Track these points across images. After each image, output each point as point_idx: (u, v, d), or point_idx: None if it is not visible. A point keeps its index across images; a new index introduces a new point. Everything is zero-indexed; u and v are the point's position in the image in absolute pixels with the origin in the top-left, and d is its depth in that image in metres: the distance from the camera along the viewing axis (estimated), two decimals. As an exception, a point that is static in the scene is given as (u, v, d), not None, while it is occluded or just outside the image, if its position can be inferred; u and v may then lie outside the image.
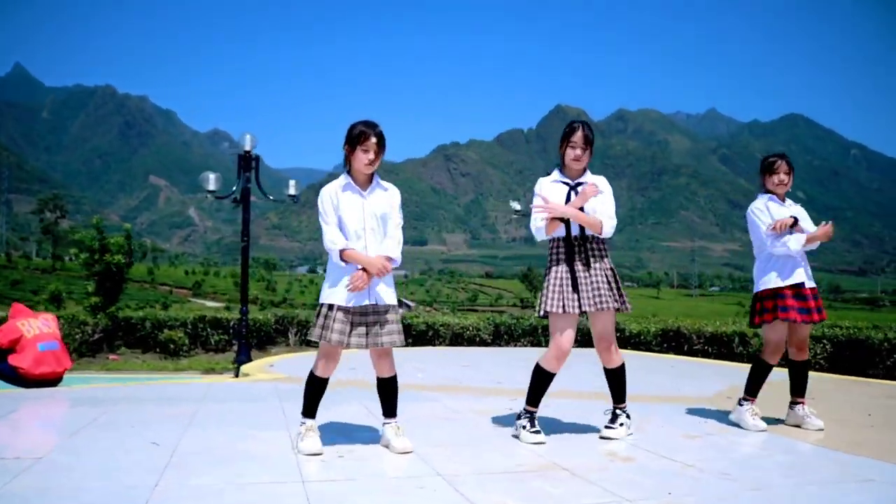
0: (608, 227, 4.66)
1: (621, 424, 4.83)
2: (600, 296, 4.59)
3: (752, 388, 5.31)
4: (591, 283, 4.61)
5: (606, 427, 4.83)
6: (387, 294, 4.36)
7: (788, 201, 5.34)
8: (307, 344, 17.68)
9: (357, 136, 4.26)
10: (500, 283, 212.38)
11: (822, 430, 5.14)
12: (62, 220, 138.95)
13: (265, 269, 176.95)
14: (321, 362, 4.34)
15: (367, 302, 4.27)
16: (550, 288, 4.64)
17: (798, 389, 5.36)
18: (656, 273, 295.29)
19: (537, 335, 17.38)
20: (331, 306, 4.27)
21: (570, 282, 4.61)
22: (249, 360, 12.46)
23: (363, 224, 4.30)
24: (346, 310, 4.24)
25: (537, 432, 4.63)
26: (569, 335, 4.61)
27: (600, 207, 4.65)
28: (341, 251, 4.24)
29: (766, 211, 5.25)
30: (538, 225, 4.70)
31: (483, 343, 16.72)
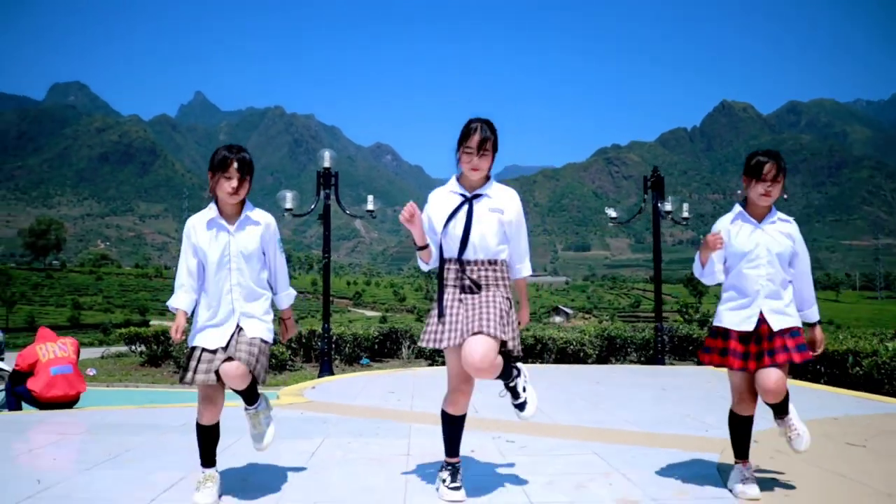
0: (527, 270, 4.14)
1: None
2: (480, 319, 3.75)
3: (736, 448, 4.20)
4: (477, 306, 3.83)
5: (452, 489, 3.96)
6: (254, 327, 3.92)
7: (777, 216, 4.22)
8: (422, 356, 17.52)
9: (218, 162, 3.82)
10: (665, 288, 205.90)
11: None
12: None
13: (426, 277, 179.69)
14: (200, 407, 3.94)
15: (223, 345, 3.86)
16: (436, 318, 3.91)
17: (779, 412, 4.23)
18: (836, 274, 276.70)
19: (650, 349, 16.35)
20: (194, 348, 3.90)
21: (458, 309, 3.86)
22: (331, 374, 12.86)
23: (228, 265, 3.90)
24: (211, 351, 3.84)
25: (457, 488, 3.91)
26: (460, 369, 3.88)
27: (518, 241, 4.10)
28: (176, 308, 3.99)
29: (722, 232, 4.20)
30: (420, 263, 4.17)
31: (586, 358, 15.83)
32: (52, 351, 8.35)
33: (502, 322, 3.78)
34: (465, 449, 5.09)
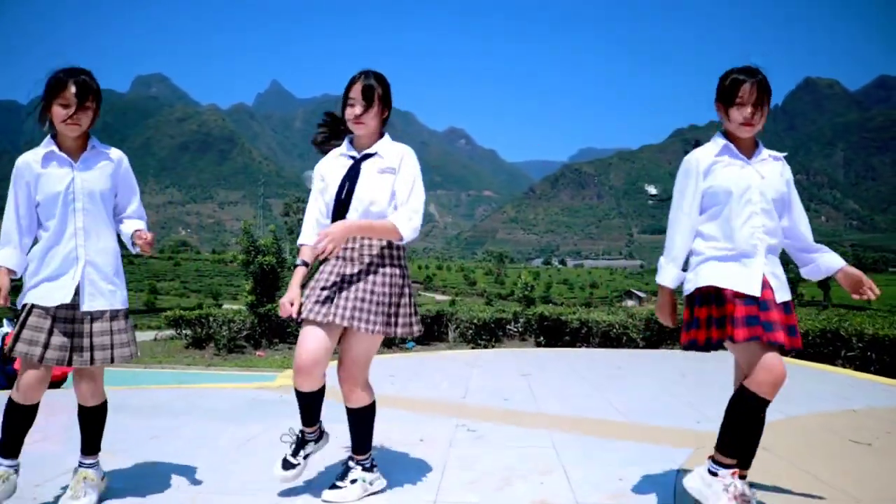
0: (408, 228, 3.36)
1: (353, 481, 3.47)
2: (361, 310, 3.29)
3: (729, 446, 3.03)
4: (360, 289, 3.35)
5: (331, 487, 3.47)
6: (104, 294, 3.38)
7: (766, 153, 3.23)
8: (464, 339, 17.22)
9: (52, 87, 3.26)
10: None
11: None
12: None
13: (497, 262, 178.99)
14: (20, 382, 3.31)
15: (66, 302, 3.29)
16: (309, 290, 3.40)
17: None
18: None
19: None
20: (28, 308, 3.30)
21: (331, 284, 3.35)
22: None
23: (72, 204, 3.34)
24: (44, 311, 3.28)
25: (287, 465, 3.50)
26: (308, 348, 3.29)
27: (402, 194, 3.41)
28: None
29: (696, 175, 3.20)
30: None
31: (630, 343, 15.20)
32: None
33: (381, 310, 3.33)
34: (412, 437, 4.74)
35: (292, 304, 3.39)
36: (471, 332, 16.94)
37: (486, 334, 16.95)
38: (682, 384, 7.79)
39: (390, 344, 16.37)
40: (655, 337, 16.01)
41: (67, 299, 3.29)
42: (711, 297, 3.07)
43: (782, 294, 3.07)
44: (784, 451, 4.35)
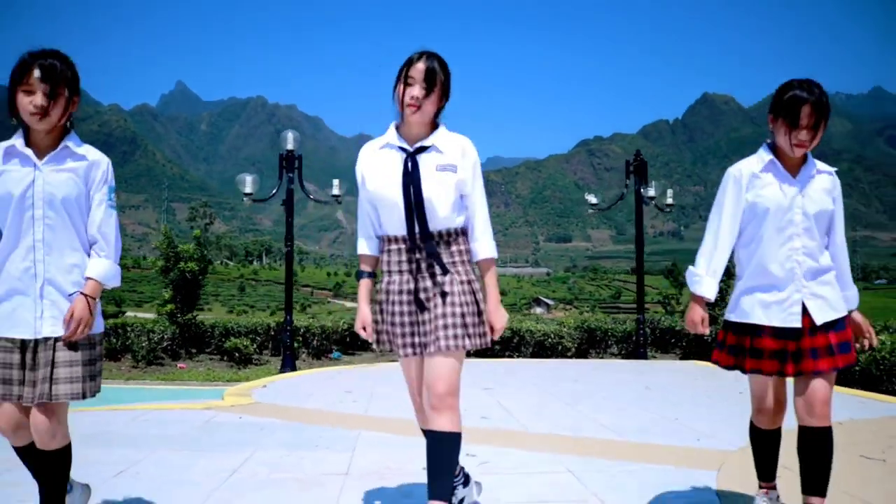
0: (494, 246, 3.00)
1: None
2: (446, 326, 2.82)
3: (761, 469, 3.33)
4: (437, 307, 2.86)
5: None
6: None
7: (816, 167, 3.08)
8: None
9: (15, 71, 2.77)
10: (646, 280, 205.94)
11: None
12: (210, 225, 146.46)
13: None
14: None
15: (29, 336, 2.71)
16: (384, 315, 2.97)
17: (811, 483, 3.05)
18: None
19: (631, 343, 15.66)
20: None
21: (411, 306, 2.91)
22: (294, 369, 11.99)
23: (31, 211, 2.76)
24: (8, 344, 2.72)
25: None
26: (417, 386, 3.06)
27: (475, 203, 2.96)
28: None
29: (737, 186, 3.13)
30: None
31: (565, 353, 15.10)
32: None
33: (465, 321, 2.84)
34: (412, 466, 4.32)
35: (365, 329, 3.02)
36: (401, 341, 16.51)
37: (418, 344, 16.54)
38: (651, 399, 7.61)
39: (319, 356, 15.80)
40: (585, 345, 16.05)
41: (28, 334, 2.73)
42: (748, 328, 3.09)
43: (824, 314, 2.99)
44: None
